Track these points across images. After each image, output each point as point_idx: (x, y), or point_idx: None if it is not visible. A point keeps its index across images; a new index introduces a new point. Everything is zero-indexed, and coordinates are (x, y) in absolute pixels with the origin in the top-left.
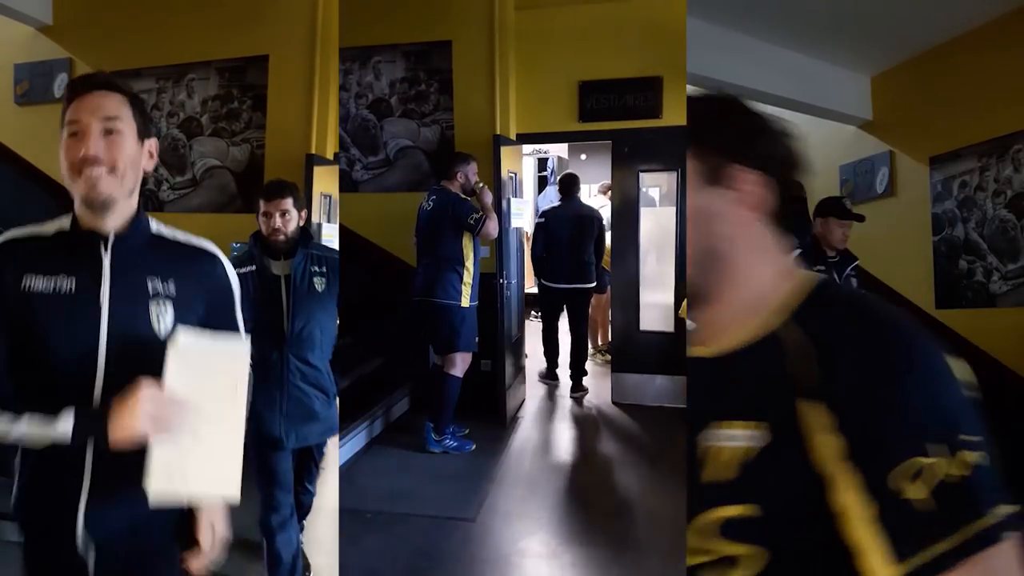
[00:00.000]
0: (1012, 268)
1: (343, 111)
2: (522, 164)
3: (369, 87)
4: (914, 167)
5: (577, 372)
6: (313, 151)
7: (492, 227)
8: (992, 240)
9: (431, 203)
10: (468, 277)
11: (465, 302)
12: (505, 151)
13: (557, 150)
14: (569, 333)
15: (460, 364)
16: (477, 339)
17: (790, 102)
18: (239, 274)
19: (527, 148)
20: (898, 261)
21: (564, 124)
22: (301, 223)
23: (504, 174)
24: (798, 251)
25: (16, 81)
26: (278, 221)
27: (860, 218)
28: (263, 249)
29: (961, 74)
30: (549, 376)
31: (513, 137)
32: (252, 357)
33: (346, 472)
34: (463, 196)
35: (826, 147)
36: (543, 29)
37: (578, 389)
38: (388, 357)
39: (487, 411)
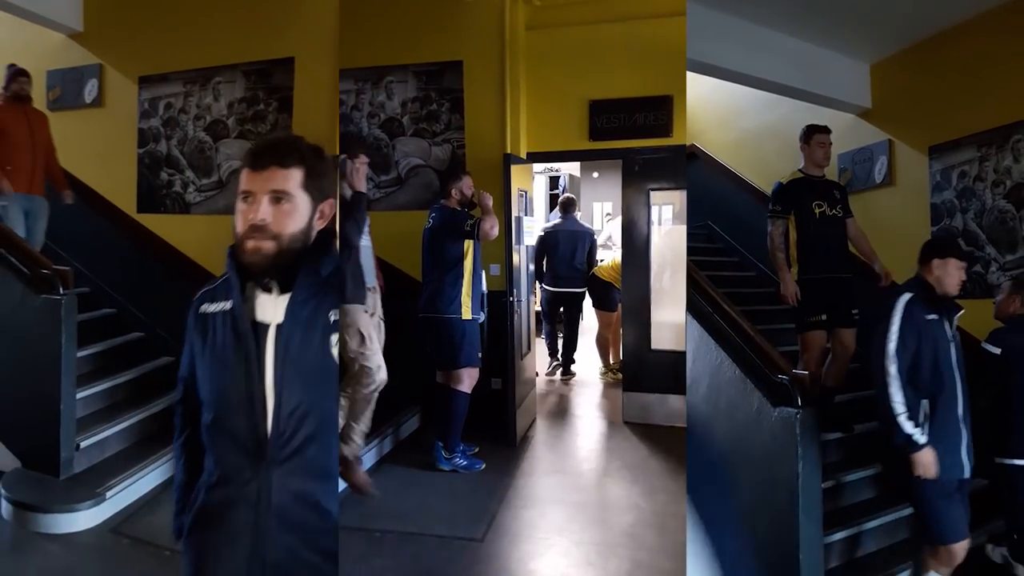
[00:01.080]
0: (1010, 259)
1: (355, 129)
2: (533, 182)
3: (381, 107)
4: (913, 156)
5: (567, 361)
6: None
7: (489, 226)
8: (991, 231)
9: (431, 220)
10: (467, 288)
11: (466, 314)
12: (516, 169)
13: (569, 168)
14: (564, 328)
15: (467, 380)
16: (481, 354)
17: (788, 89)
18: (204, 314)
19: (538, 167)
20: (896, 252)
21: (574, 143)
22: (320, 225)
23: (515, 192)
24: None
25: (48, 87)
26: (263, 211)
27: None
28: (239, 270)
29: (961, 63)
30: (552, 367)
31: (524, 156)
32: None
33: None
34: (460, 209)
35: None
36: (553, 49)
37: (567, 374)
38: (398, 374)
39: (497, 430)
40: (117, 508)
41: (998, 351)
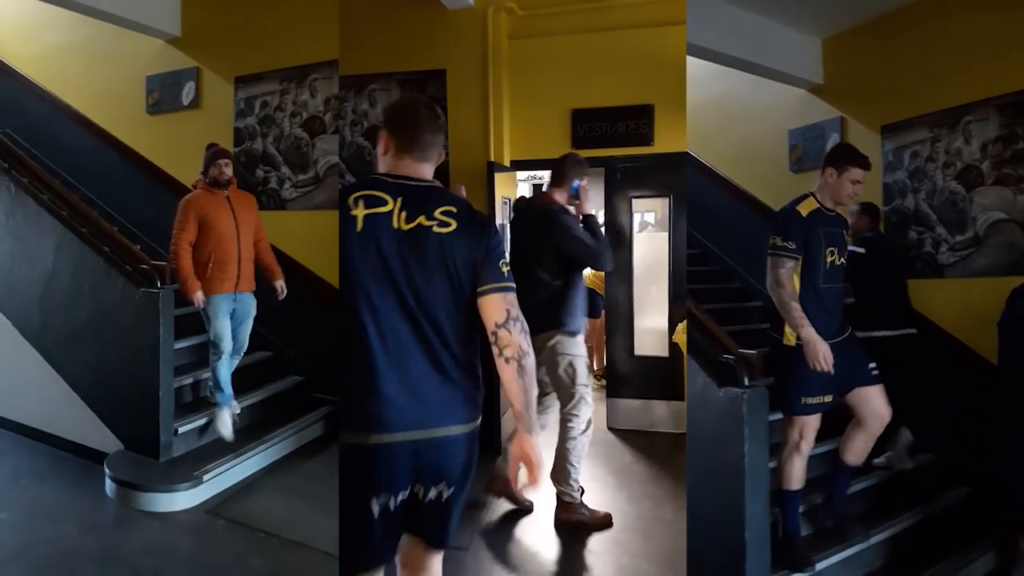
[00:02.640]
0: (960, 239)
1: (339, 138)
2: (516, 190)
3: (364, 115)
4: (865, 135)
5: None
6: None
7: None
8: (941, 211)
9: None
10: None
11: None
12: (499, 177)
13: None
14: None
15: None
16: None
17: (738, 61)
18: None
19: (522, 174)
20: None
21: (557, 151)
22: None
23: (499, 200)
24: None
25: (148, 92)
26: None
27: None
28: None
29: (915, 42)
30: None
31: (507, 164)
32: None
33: (248, 486)
34: None
35: (775, 110)
36: (536, 58)
37: None
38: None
39: (481, 438)
40: (214, 491)
41: (863, 251)
